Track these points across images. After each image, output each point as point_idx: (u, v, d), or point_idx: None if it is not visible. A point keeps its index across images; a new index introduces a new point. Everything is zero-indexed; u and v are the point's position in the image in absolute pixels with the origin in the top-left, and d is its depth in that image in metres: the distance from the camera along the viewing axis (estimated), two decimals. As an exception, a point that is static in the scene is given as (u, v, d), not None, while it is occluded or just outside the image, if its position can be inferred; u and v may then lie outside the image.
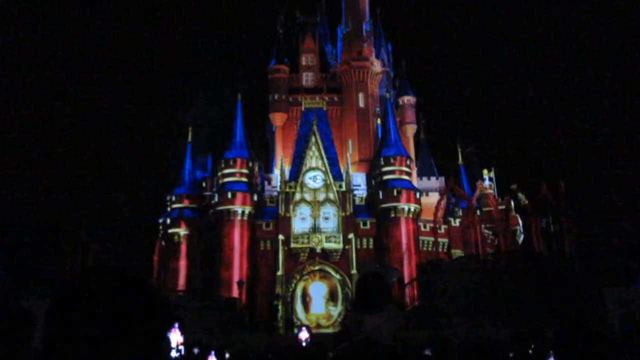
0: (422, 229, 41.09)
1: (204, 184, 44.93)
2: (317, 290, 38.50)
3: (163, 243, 44.22)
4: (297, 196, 39.86)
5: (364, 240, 39.60)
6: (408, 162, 42.33)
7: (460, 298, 26.79)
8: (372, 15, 53.90)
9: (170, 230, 43.06)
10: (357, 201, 41.00)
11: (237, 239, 38.76)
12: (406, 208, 39.49)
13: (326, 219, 39.54)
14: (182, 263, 42.20)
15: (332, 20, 55.98)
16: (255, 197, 40.10)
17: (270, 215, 40.08)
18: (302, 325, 35.26)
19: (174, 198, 44.40)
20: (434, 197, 44.83)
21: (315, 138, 41.49)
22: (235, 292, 36.00)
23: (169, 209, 44.55)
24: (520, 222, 46.02)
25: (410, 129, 53.04)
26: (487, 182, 45.65)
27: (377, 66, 49.85)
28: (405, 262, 37.89)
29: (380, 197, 39.86)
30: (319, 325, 36.49)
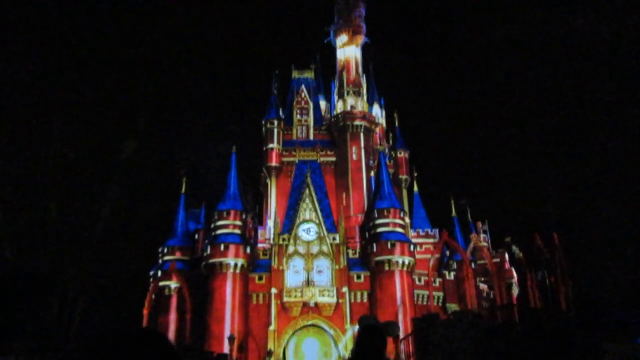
0: (417, 282, 40.61)
1: (196, 236, 44.56)
2: (310, 346, 37.58)
3: (153, 296, 43.36)
4: (291, 249, 39.53)
5: (358, 294, 39.02)
6: (402, 214, 42.29)
7: (456, 354, 26.17)
8: (365, 69, 55.29)
9: (161, 283, 42.33)
10: (351, 254, 40.68)
11: (229, 292, 38.07)
12: (400, 261, 39.14)
13: (320, 272, 39.09)
14: (172, 317, 41.27)
15: (326, 74, 57.34)
16: (249, 250, 39.69)
17: (263, 268, 39.59)
18: (294, 382, 34.22)
19: (165, 250, 43.96)
20: (428, 250, 44.60)
21: (309, 190, 41.59)
22: (226, 348, 35.04)
23: (160, 261, 43.99)
24: (515, 275, 45.68)
25: (404, 182, 53.45)
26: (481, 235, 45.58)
27: (370, 120, 50.68)
28: (400, 316, 37.20)
29: (374, 249, 39.56)
30: (312, 383, 35.41)
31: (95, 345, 1.14)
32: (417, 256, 41.35)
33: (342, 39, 53.95)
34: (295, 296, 37.85)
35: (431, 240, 46.95)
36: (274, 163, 48.90)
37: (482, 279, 43.99)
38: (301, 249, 39.59)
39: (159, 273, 42.83)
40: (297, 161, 47.99)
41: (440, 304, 41.16)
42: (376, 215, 41.21)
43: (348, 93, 50.89)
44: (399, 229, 41.10)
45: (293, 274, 38.97)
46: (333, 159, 49.30)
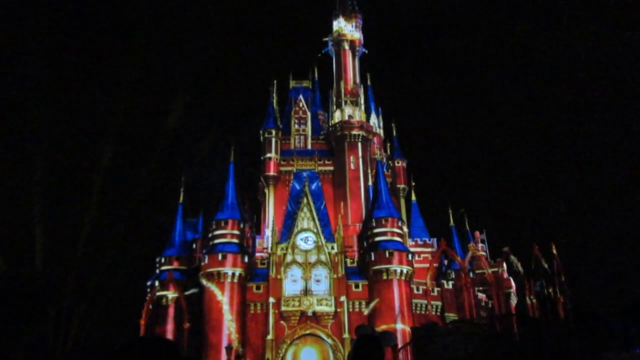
0: (415, 291, 40.54)
1: (194, 246, 44.44)
2: (308, 355, 37.41)
3: (150, 306, 43.17)
4: (289, 258, 39.47)
5: (356, 303, 38.92)
6: (400, 223, 42.29)
7: (455, 364, 26.05)
8: (363, 79, 55.57)
9: (158, 293, 42.14)
10: (349, 263, 40.62)
11: (227, 301, 37.94)
12: (398, 270, 39.09)
13: (318, 281, 39.01)
14: (169, 327, 41.02)
15: (324, 84, 57.61)
16: (246, 259, 39.61)
17: (261, 278, 39.49)
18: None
19: (163, 260, 43.79)
20: (426, 259, 44.56)
21: (307, 199, 41.60)
22: (223, 358, 34.88)
23: (157, 270, 43.83)
24: (513, 284, 45.64)
25: (402, 191, 53.53)
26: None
27: (368, 129, 50.84)
28: (399, 325, 37.11)
29: (372, 258, 39.52)
30: (310, 393, 35.23)
31: (108, 355, 1.18)
32: (415, 265, 41.32)
33: (340, 49, 54.26)
34: (293, 305, 37.74)
35: (429, 250, 46.91)
36: (271, 172, 48.96)
37: (481, 288, 43.92)
38: (299, 258, 39.54)
39: (157, 283, 42.65)
40: (295, 171, 48.05)
41: (438, 313, 41.06)
42: (374, 225, 41.21)
43: (346, 103, 51.07)
44: (397, 238, 41.09)
45: (291, 283, 38.88)
46: (331, 168, 49.39)
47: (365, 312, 38.32)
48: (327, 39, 55.69)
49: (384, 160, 52.70)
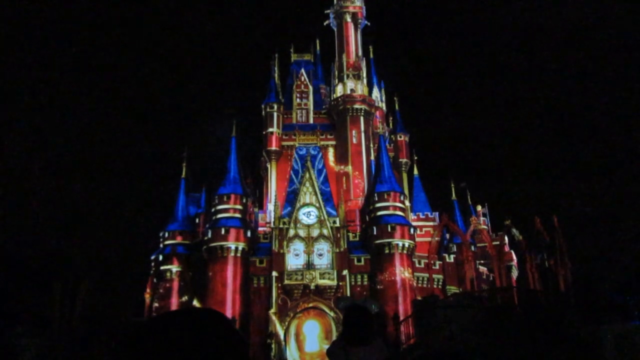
0: (417, 265, 40.84)
1: (197, 220, 44.69)
2: (311, 328, 37.88)
3: (155, 280, 43.70)
4: (291, 232, 39.66)
5: (359, 276, 39.25)
6: (402, 198, 42.36)
7: (456, 335, 26.39)
8: (365, 53, 54.97)
9: (162, 267, 42.60)
10: (351, 237, 40.84)
11: (230, 275, 38.31)
12: (400, 244, 39.31)
13: (320, 255, 39.27)
14: (174, 300, 41.58)
15: (326, 57, 57.07)
16: (249, 234, 39.84)
17: (263, 252, 39.77)
18: (295, 364, 34.59)
19: (166, 234, 44.12)
20: (428, 233, 44.78)
21: (309, 174, 41.61)
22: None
23: (161, 245, 44.21)
24: (514, 257, 45.91)
25: (404, 165, 53.51)
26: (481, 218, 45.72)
27: (370, 103, 50.54)
28: (400, 298, 37.50)
29: (374, 233, 39.70)
30: (313, 365, 35.76)
31: (157, 327, 1.15)
32: (417, 239, 41.52)
33: (341, 21, 53.57)
34: (296, 279, 38.07)
35: (431, 224, 47.08)
36: (273, 147, 48.89)
37: (482, 261, 44.23)
38: (302, 233, 39.73)
39: (160, 257, 43.08)
40: (297, 145, 47.93)
41: (440, 287, 41.44)
42: (376, 199, 41.29)
43: (348, 76, 50.64)
44: (399, 212, 41.21)
45: (293, 257, 39.15)
46: (333, 142, 49.28)
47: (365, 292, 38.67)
48: (328, 11, 54.94)
49: (386, 134, 52.50)
